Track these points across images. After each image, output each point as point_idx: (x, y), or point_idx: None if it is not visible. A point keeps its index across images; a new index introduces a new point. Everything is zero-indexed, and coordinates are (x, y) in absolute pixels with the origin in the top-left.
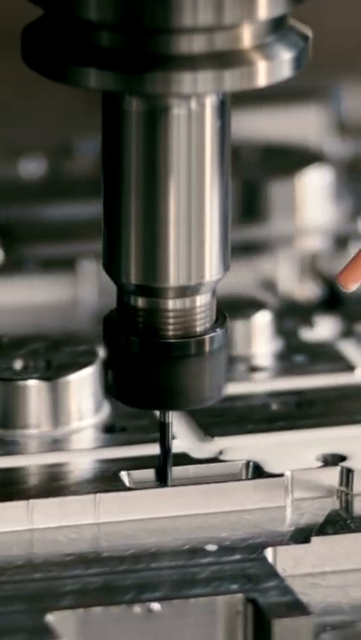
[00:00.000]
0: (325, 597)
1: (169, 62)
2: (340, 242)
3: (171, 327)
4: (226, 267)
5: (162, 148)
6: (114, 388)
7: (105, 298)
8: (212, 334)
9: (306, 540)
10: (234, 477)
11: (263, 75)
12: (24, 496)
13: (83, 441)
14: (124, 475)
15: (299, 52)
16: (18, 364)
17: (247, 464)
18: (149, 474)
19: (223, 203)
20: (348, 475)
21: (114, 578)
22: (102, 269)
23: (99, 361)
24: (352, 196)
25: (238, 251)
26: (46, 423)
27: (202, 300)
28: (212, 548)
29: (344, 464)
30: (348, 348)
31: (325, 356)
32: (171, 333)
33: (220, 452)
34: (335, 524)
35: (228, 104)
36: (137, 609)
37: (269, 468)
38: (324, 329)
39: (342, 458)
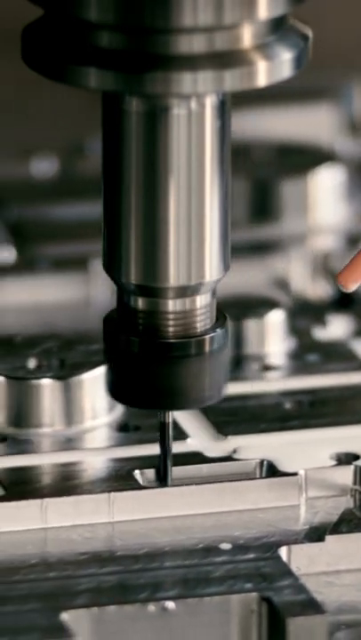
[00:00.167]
0: (340, 596)
1: (169, 62)
2: (353, 241)
3: (171, 327)
4: (226, 267)
5: (162, 148)
6: (114, 388)
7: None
8: (212, 334)
9: (320, 539)
10: (248, 476)
11: (263, 75)
12: (38, 495)
13: (96, 440)
14: (137, 473)
15: (299, 52)
16: (31, 363)
17: (261, 463)
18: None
19: (223, 203)
20: None
21: (128, 576)
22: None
23: None
24: None
25: (251, 250)
26: (60, 422)
27: (202, 300)
28: (226, 546)
29: (358, 463)
30: None
31: (338, 355)
32: (171, 333)
33: (234, 451)
34: (349, 522)
35: (229, 104)
36: (151, 608)
37: (283, 466)
38: (336, 328)
39: (356, 456)
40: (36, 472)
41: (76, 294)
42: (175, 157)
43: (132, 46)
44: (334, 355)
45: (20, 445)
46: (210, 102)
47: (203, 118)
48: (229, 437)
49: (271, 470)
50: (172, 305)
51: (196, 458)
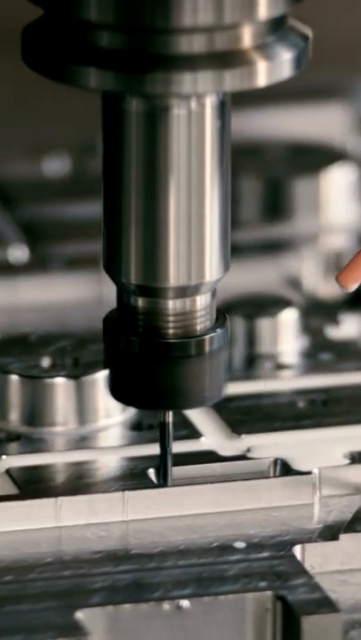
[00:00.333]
0: (354, 594)
1: (169, 62)
2: None
3: (171, 327)
4: (226, 267)
5: (162, 149)
6: (114, 387)
7: None
8: (212, 334)
9: (334, 538)
10: (262, 475)
11: (263, 75)
12: (52, 494)
13: (110, 438)
14: (151, 472)
15: (299, 52)
16: (45, 362)
17: (275, 462)
18: (177, 471)
19: (223, 203)
20: None
21: (143, 575)
22: None
23: None
24: None
25: (263, 249)
26: (73, 421)
27: (202, 300)
28: (240, 545)
29: None
30: None
31: (351, 354)
32: (171, 333)
33: (248, 450)
34: None
35: (229, 104)
36: (166, 606)
37: (297, 465)
38: (349, 327)
39: None
40: (49, 471)
41: (89, 293)
42: (175, 157)
43: (132, 46)
44: (347, 353)
45: (33, 444)
46: (210, 102)
47: (203, 118)
48: (243, 436)
49: (285, 469)
50: (172, 305)
51: (209, 457)
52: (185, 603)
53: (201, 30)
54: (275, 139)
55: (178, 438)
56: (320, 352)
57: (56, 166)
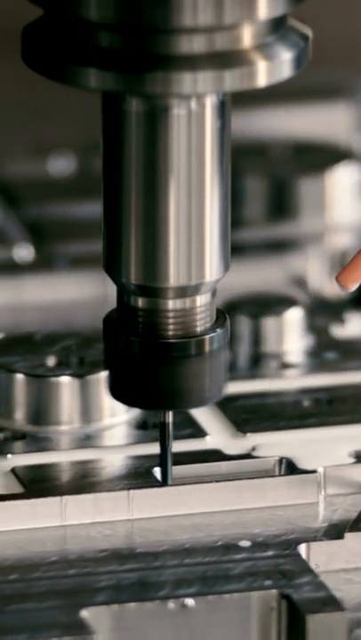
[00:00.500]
0: (359, 593)
1: (169, 62)
2: None
3: (171, 327)
4: (226, 267)
5: (162, 149)
6: (114, 387)
7: None
8: (212, 334)
9: (339, 536)
10: (267, 474)
11: (263, 75)
12: (57, 492)
13: (115, 437)
14: (157, 471)
15: (299, 52)
16: (51, 361)
17: (280, 460)
18: (182, 470)
19: (223, 202)
20: None
21: (148, 574)
22: None
23: None
24: None
25: (269, 248)
26: (79, 420)
27: (202, 300)
28: (245, 544)
29: None
30: None
31: (356, 353)
32: (171, 333)
33: (253, 449)
34: None
35: (229, 104)
36: (171, 605)
37: (302, 464)
38: (354, 326)
39: None
40: (55, 469)
41: (94, 292)
42: (175, 157)
43: (132, 46)
44: (352, 352)
45: (39, 443)
46: (210, 102)
47: (203, 118)
48: (248, 435)
49: (290, 468)
50: (172, 305)
51: (215, 455)
52: (190, 601)
53: (201, 30)
54: (280, 138)
55: (183, 437)
56: (325, 351)
57: (61, 166)
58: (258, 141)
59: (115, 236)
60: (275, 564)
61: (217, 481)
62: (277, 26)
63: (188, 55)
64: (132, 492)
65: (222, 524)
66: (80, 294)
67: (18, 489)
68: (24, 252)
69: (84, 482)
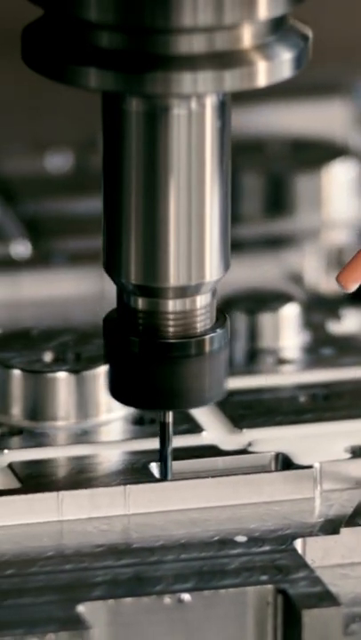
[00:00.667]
0: (355, 588)
1: (169, 62)
2: None
3: (171, 327)
4: (226, 267)
5: (162, 149)
6: (114, 387)
7: None
8: (212, 334)
9: (335, 531)
10: (263, 469)
11: (263, 75)
12: (54, 488)
13: (112, 433)
14: (153, 466)
15: (299, 52)
16: (47, 357)
17: (276, 456)
18: (179, 465)
19: (223, 202)
20: None
21: (144, 569)
22: None
23: None
24: None
25: (265, 244)
26: (75, 415)
27: (202, 300)
28: (241, 539)
29: None
30: None
31: (353, 349)
32: (171, 333)
33: (249, 444)
34: None
35: (229, 104)
36: (167, 600)
37: (298, 459)
38: (351, 322)
39: None
40: (51, 465)
41: (92, 288)
42: (175, 157)
43: (132, 46)
44: (349, 348)
45: (35, 438)
46: (210, 102)
47: (203, 118)
48: (245, 430)
49: (286, 463)
50: (173, 305)
51: (211, 451)
52: (186, 596)
53: (201, 30)
54: (276, 134)
55: (179, 433)
56: (321, 347)
57: (58, 162)
58: (255, 138)
59: (115, 236)
60: (271, 559)
61: (213, 476)
62: (278, 26)
63: (188, 55)
64: (128, 487)
65: (218, 519)
66: (77, 290)
67: (15, 484)
68: (21, 248)
69: (81, 477)
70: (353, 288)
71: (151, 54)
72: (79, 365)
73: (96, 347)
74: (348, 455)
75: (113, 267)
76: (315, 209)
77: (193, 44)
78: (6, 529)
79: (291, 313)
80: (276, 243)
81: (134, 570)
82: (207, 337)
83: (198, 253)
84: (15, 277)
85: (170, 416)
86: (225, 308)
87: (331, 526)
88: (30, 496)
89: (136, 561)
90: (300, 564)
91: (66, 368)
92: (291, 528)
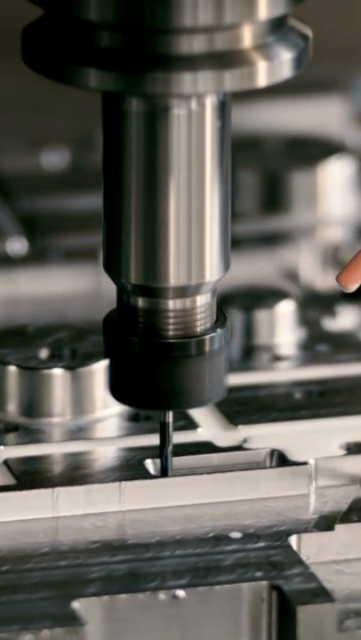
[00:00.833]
0: (349, 584)
1: (169, 62)
2: None
3: (171, 327)
4: (226, 266)
5: (162, 149)
6: (114, 387)
7: None
8: (212, 334)
9: (330, 528)
10: (258, 466)
11: (263, 75)
12: (49, 484)
13: (107, 429)
14: (148, 463)
15: (299, 52)
16: (43, 353)
17: (271, 452)
18: (174, 462)
19: (223, 202)
20: None
21: (139, 565)
22: None
23: None
24: None
25: (261, 241)
26: (71, 412)
27: (202, 300)
28: (236, 535)
29: None
30: None
31: (348, 346)
32: (171, 333)
33: (245, 441)
34: (359, 511)
35: (229, 104)
36: (162, 596)
37: (293, 456)
38: (346, 319)
39: None
40: (47, 461)
41: (88, 285)
42: (175, 157)
43: (132, 46)
44: (344, 345)
45: (31, 435)
46: (210, 102)
47: (203, 118)
48: (240, 427)
49: (281, 460)
50: (173, 305)
51: (206, 447)
52: (181, 593)
53: (201, 30)
54: (273, 131)
55: (175, 429)
56: (317, 344)
57: (55, 159)
58: (251, 135)
59: (115, 236)
60: (266, 556)
61: (209, 473)
62: (278, 26)
63: (188, 55)
64: (123, 483)
65: (213, 515)
66: (73, 287)
67: (10, 480)
68: (17, 245)
69: (76, 473)
70: (353, 288)
71: (151, 54)
72: (75, 362)
73: (92, 343)
74: (344, 452)
75: (113, 267)
76: (311, 206)
77: (193, 44)
78: (1, 525)
79: (286, 310)
80: (271, 240)
81: (129, 566)
82: (207, 337)
83: (198, 253)
84: (11, 274)
85: (170, 416)
86: (220, 304)
87: (326, 523)
88: (26, 492)
89: (131, 557)
90: (295, 560)
91: (61, 365)
92: (286, 524)
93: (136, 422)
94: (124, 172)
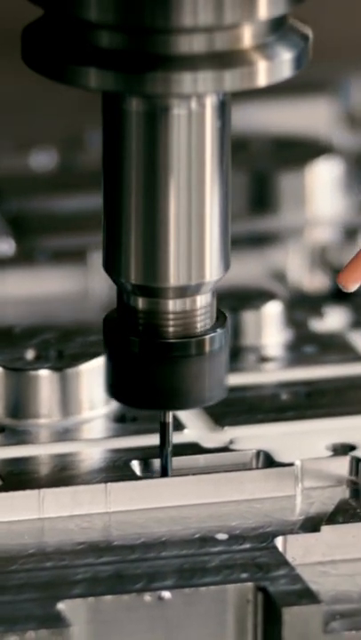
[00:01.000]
0: (335, 586)
1: (169, 62)
2: (350, 233)
3: (171, 327)
4: (226, 266)
5: (162, 149)
6: (114, 387)
7: (115, 289)
8: (212, 334)
9: (316, 529)
10: (244, 467)
11: (263, 75)
12: (35, 485)
13: (94, 430)
14: (134, 464)
15: (299, 52)
16: (29, 355)
17: (257, 453)
18: (159, 463)
19: (223, 202)
20: (357, 464)
21: (125, 566)
22: None
23: None
24: None
25: (249, 242)
26: (57, 413)
27: (202, 300)
28: (222, 536)
29: (354, 453)
30: (358, 339)
31: (335, 347)
32: (171, 333)
33: (231, 442)
34: (345, 512)
35: (229, 104)
36: (147, 597)
37: (279, 457)
38: (333, 319)
39: (352, 447)
40: (33, 462)
41: (75, 286)
42: (175, 157)
43: (132, 46)
44: (331, 346)
45: (17, 436)
46: (210, 102)
47: (203, 118)
48: (226, 428)
49: (268, 461)
50: (173, 305)
51: (193, 448)
52: (166, 594)
53: (201, 30)
54: (261, 132)
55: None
56: (304, 345)
57: (43, 160)
58: (239, 135)
59: (115, 236)
60: (251, 557)
61: (195, 474)
62: (277, 26)
63: (188, 55)
64: (109, 484)
65: (199, 516)
66: (61, 288)
67: None
68: (5, 246)
69: (63, 475)
70: (353, 288)
71: (151, 54)
72: (61, 363)
73: (78, 344)
74: (330, 453)
75: (113, 266)
76: (299, 207)
77: (193, 44)
78: None
79: (273, 311)
80: (260, 240)
81: (115, 567)
82: (207, 337)
83: (198, 253)
84: None
85: (170, 416)
86: None
87: (311, 524)
88: (11, 493)
89: (117, 558)
90: (281, 561)
91: (48, 366)
92: (272, 526)
93: (122, 424)
94: (124, 172)
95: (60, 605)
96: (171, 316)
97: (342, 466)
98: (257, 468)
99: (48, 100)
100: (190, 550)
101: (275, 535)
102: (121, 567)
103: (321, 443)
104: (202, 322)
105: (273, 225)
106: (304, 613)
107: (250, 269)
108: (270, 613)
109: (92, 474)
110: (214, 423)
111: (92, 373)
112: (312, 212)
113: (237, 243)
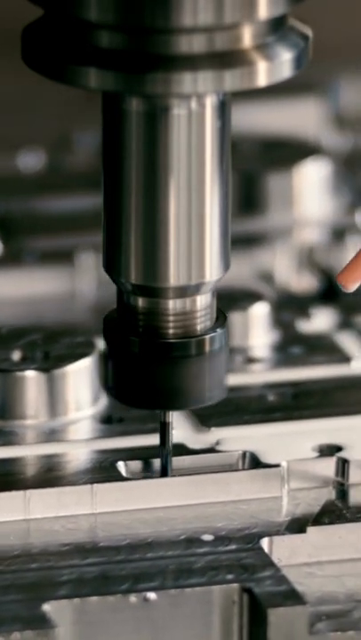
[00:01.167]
0: (321, 587)
1: (169, 62)
2: (338, 234)
3: (171, 327)
4: (226, 266)
5: (162, 148)
6: (114, 387)
7: (103, 290)
8: (212, 334)
9: (302, 530)
10: (230, 468)
11: (263, 75)
12: (21, 486)
13: (80, 431)
14: (121, 465)
15: (299, 52)
16: (16, 355)
17: (244, 454)
18: (144, 465)
19: (223, 202)
20: (343, 465)
21: (110, 568)
22: (101, 262)
23: (96, 352)
24: (350, 188)
25: (236, 242)
26: (44, 414)
27: (202, 300)
28: (208, 538)
29: (340, 454)
30: (345, 340)
31: (322, 348)
32: (171, 333)
33: (217, 443)
34: (331, 513)
35: (229, 104)
36: (133, 599)
37: (266, 458)
38: (321, 320)
39: (338, 448)
40: (19, 463)
41: (62, 287)
42: (175, 157)
43: (132, 46)
44: (318, 347)
45: (3, 437)
46: (210, 102)
47: (203, 118)
48: (213, 429)
49: (254, 462)
50: (173, 305)
51: (179, 449)
52: (152, 595)
53: (201, 30)
54: (249, 133)
55: (147, 431)
56: (291, 346)
57: (31, 161)
58: None
59: (115, 236)
60: (237, 558)
61: (181, 475)
62: (277, 26)
63: (188, 55)
64: (95, 486)
65: (185, 517)
66: (48, 289)
67: None
68: None
69: (49, 476)
70: (353, 288)
71: (151, 54)
72: (47, 364)
73: (64, 345)
74: (316, 454)
75: (113, 266)
76: (287, 208)
77: (193, 44)
78: None
79: (260, 311)
80: (247, 241)
81: (100, 569)
82: (207, 337)
83: (198, 253)
84: None
85: (170, 416)
86: None
87: (297, 525)
88: None
89: (102, 560)
90: (267, 562)
91: (34, 367)
92: (257, 527)
93: (109, 425)
94: (124, 172)
95: (46, 606)
96: (171, 316)
97: (329, 467)
98: (243, 469)
99: (36, 101)
100: (176, 551)
101: (261, 536)
102: (107, 568)
103: (307, 444)
104: (202, 322)
105: (261, 225)
106: (290, 614)
107: (237, 270)
108: (256, 614)
109: (79, 475)
110: (201, 424)
111: (79, 374)
112: (300, 213)
113: None
